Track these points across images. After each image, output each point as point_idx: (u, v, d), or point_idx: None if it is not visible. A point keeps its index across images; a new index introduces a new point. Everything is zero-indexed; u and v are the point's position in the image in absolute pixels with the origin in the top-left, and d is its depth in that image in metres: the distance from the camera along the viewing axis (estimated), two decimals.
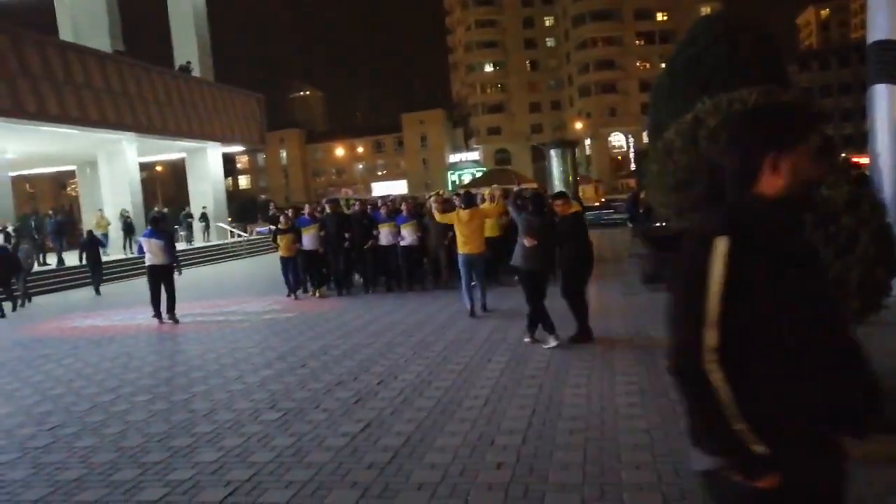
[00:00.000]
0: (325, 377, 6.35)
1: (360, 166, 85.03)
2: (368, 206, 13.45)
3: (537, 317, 7.02)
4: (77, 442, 4.94)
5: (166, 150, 30.44)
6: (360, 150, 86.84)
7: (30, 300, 14.86)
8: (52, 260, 19.58)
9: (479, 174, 55.90)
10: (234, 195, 59.22)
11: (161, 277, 10.28)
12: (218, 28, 35.15)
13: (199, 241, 27.80)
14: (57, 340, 9.77)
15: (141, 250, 10.79)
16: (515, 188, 11.18)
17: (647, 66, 72.40)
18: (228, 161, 54.70)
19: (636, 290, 10.42)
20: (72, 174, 36.48)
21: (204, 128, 28.34)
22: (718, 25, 13.14)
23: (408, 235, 11.65)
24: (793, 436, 1.57)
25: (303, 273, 12.44)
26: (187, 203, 30.55)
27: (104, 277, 17.16)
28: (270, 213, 20.43)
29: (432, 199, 14.38)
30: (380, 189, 71.32)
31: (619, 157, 74.56)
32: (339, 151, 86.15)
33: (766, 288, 1.54)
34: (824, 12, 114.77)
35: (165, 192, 58.75)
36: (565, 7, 77.66)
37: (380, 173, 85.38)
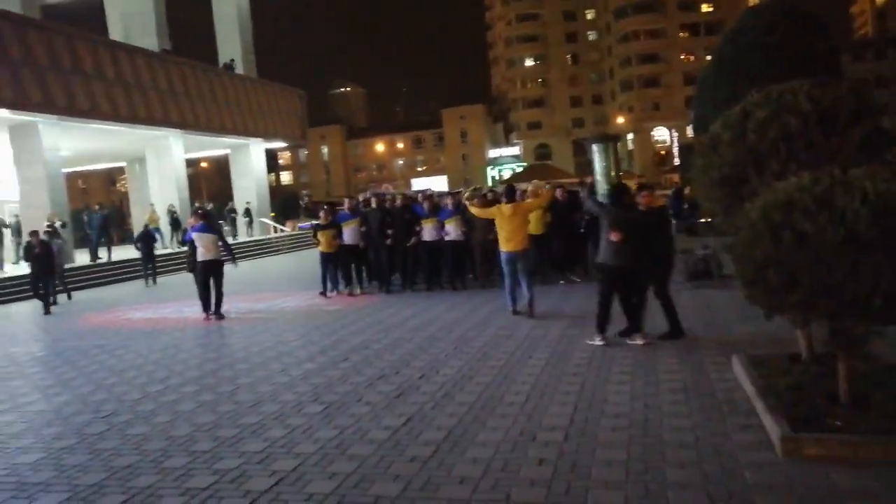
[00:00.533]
0: (367, 371, 6.42)
1: (400, 162, 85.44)
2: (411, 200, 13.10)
3: (601, 311, 6.74)
4: (130, 430, 5.11)
5: (211, 147, 31.11)
6: (400, 145, 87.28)
7: (69, 297, 14.69)
8: (102, 254, 20.05)
9: (519, 169, 55.64)
10: (276, 191, 60.17)
11: (213, 273, 10.20)
12: (261, 25, 35.74)
13: (242, 236, 28.36)
14: (110, 332, 10.10)
15: (188, 243, 10.67)
16: (589, 179, 10.70)
17: (692, 58, 70.80)
18: (271, 157, 55.66)
19: (680, 288, 10.22)
20: (121, 170, 37.62)
21: (247, 124, 28.87)
22: (769, 15, 12.79)
23: (452, 230, 11.30)
24: None
25: (342, 269, 12.08)
26: (231, 198, 31.17)
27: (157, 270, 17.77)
28: (303, 204, 20.21)
29: (467, 194, 14.32)
30: (420, 185, 71.58)
31: (663, 152, 73.15)
32: (380, 147, 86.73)
33: None
34: (880, 0, 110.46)
35: (210, 187, 60.05)
36: (607, 0, 76.52)
37: (419, 169, 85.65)
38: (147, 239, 17.38)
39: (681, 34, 72.80)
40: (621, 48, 74.54)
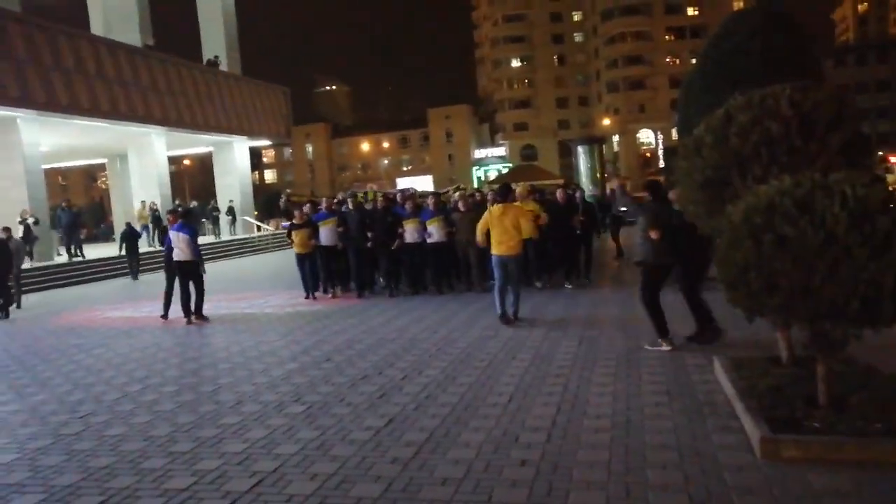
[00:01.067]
0: (350, 371, 6.38)
1: (386, 161, 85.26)
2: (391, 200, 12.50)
3: (656, 316, 6.56)
4: (107, 430, 5.04)
5: (194, 144, 30.84)
6: (386, 144, 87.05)
7: (19, 305, 13.23)
8: (92, 252, 19.74)
9: (504, 170, 55.74)
10: (260, 189, 59.82)
11: (190, 274, 9.86)
12: (245, 22, 35.47)
13: (225, 235, 28.14)
14: (89, 331, 9.97)
15: (166, 243, 10.32)
16: (617, 181, 10.25)
17: (677, 61, 71.39)
18: (255, 155, 55.30)
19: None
20: (102, 167, 37.17)
21: (231, 122, 28.65)
22: (753, 20, 12.91)
23: (435, 232, 10.88)
24: None
25: (322, 271, 11.62)
26: (214, 196, 30.93)
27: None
28: (282, 206, 19.01)
29: (457, 194, 14.21)
30: (405, 184, 71.51)
31: (648, 154, 73.69)
32: (365, 146, 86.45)
33: None
34: (862, 6, 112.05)
35: (193, 185, 59.55)
36: (594, 1, 76.86)
37: (405, 168, 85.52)
38: (130, 236, 17.30)
39: (666, 37, 73.39)
40: (608, 50, 74.96)
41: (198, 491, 3.83)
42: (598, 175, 22.33)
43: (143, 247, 20.05)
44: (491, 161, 76.59)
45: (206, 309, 10.31)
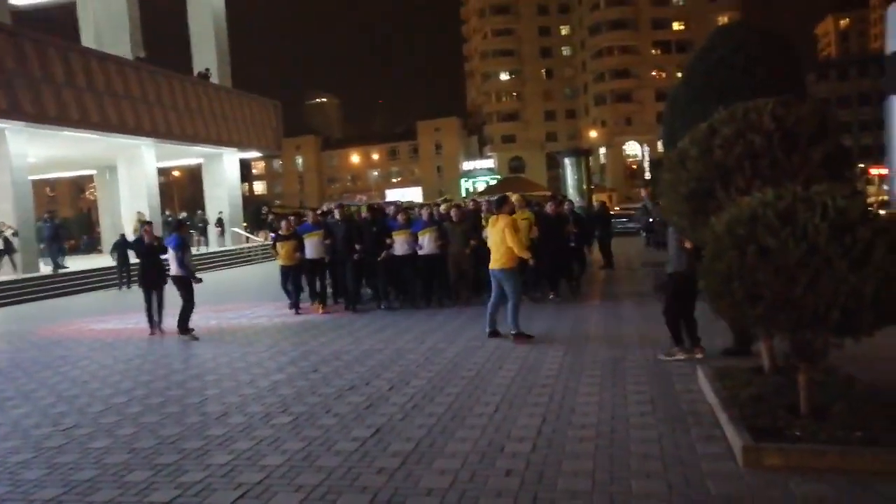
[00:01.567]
0: (337, 382, 6.37)
1: (375, 173, 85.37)
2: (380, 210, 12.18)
3: (689, 322, 6.50)
4: (91, 443, 4.99)
5: (184, 156, 30.75)
6: (376, 156, 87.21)
7: None
8: (50, 264, 19.34)
9: (493, 182, 55.94)
10: (249, 201, 59.62)
11: (180, 288, 9.51)
12: (236, 35, 35.55)
13: (214, 246, 28.02)
14: (74, 342, 9.88)
15: (142, 257, 9.96)
16: (644, 192, 9.65)
17: (664, 75, 72.22)
18: (245, 167, 55.20)
19: (648, 299, 10.36)
20: (91, 178, 36.96)
21: (221, 134, 28.61)
22: (737, 35, 13.09)
23: (426, 244, 10.56)
24: None
25: (307, 284, 11.33)
26: (202, 208, 30.81)
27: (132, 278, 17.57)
28: (268, 218, 18.92)
29: (443, 206, 14.13)
30: (394, 196, 71.57)
31: (634, 166, 74.26)
32: (355, 158, 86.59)
33: None
34: (844, 22, 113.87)
35: (182, 196, 59.31)
36: (581, 16, 77.70)
37: (394, 180, 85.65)
38: (122, 246, 17.27)
39: (653, 51, 74.28)
40: (595, 64, 75.71)
41: None
42: (585, 187, 22.44)
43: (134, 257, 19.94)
44: (479, 173, 76.91)
45: (193, 320, 9.83)
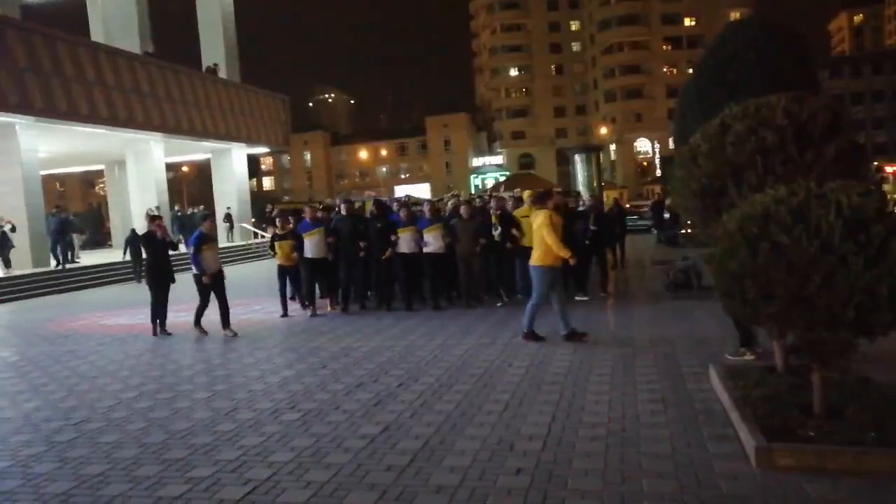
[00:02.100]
0: (346, 379, 6.37)
1: (384, 169, 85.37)
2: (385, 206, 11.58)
3: (742, 324, 6.09)
4: (101, 437, 5.01)
5: (192, 151, 30.85)
6: (384, 152, 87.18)
7: None
8: (91, 258, 19.57)
9: (502, 178, 55.82)
10: (258, 196, 59.81)
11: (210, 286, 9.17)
12: (245, 30, 35.58)
13: (222, 242, 28.11)
14: (84, 337, 9.93)
15: (150, 252, 9.66)
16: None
17: (674, 71, 71.82)
18: (253, 162, 55.35)
19: (659, 297, 10.31)
20: (100, 173, 37.15)
21: (229, 129, 28.67)
22: (749, 30, 12.98)
23: (433, 241, 10.12)
24: None
25: (306, 285, 10.66)
26: (208, 203, 30.90)
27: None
28: (273, 214, 18.45)
29: (451, 203, 13.99)
30: (402, 193, 71.54)
31: (645, 163, 73.95)
32: (363, 154, 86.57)
33: None
34: (857, 18, 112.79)
35: (191, 192, 59.56)
36: (591, 11, 77.28)
37: (403, 176, 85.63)
38: (135, 241, 17.34)
39: (664, 47, 73.82)
40: (605, 59, 75.33)
41: (191, 499, 3.81)
42: (595, 184, 22.36)
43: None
44: (488, 169, 76.75)
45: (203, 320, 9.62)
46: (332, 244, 10.43)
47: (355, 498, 3.69)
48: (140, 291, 15.95)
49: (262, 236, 30.52)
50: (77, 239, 23.46)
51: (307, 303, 10.63)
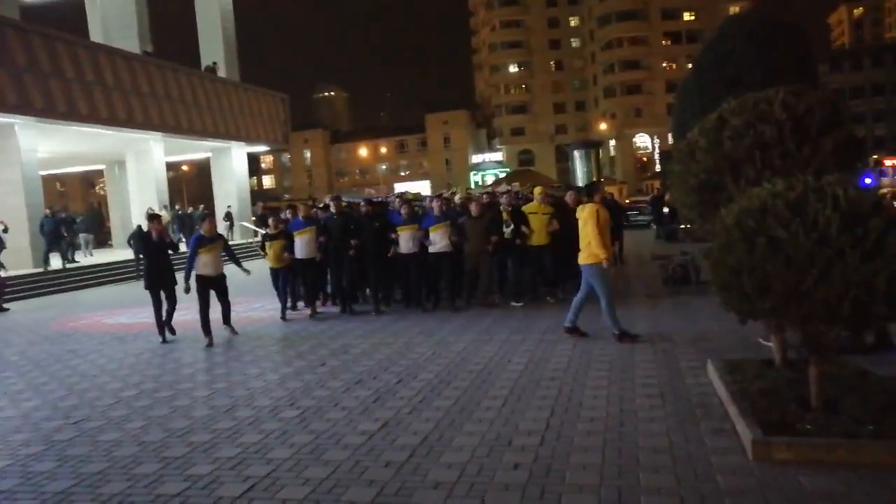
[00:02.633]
0: (345, 376, 6.37)
1: (384, 167, 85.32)
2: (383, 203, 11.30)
3: None
4: (101, 436, 5.02)
5: (192, 150, 30.83)
6: (384, 150, 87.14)
7: None
8: (55, 261, 18.97)
9: (502, 175, 55.79)
10: (258, 195, 59.83)
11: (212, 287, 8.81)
12: (244, 29, 35.54)
13: None
14: (85, 336, 9.95)
15: (149, 254, 9.15)
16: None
17: (674, 66, 71.62)
18: (253, 161, 55.32)
19: (658, 292, 10.31)
20: (100, 173, 37.14)
21: (229, 128, 28.66)
22: (748, 24, 12.97)
23: (439, 240, 9.61)
24: None
25: (302, 286, 10.46)
26: (212, 202, 30.90)
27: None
28: (258, 212, 17.71)
29: (457, 197, 13.88)
30: (402, 189, 71.43)
31: (644, 159, 73.85)
32: (363, 152, 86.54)
33: None
34: (857, 11, 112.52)
35: (191, 191, 59.57)
36: (591, 7, 77.11)
37: (403, 174, 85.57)
38: (140, 240, 17.33)
39: (663, 42, 73.65)
40: (604, 55, 75.19)
41: (190, 496, 3.82)
42: (595, 179, 22.34)
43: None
44: (488, 166, 76.69)
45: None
46: (323, 244, 10.05)
47: (354, 494, 3.70)
48: (141, 290, 15.98)
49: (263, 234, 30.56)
50: (84, 239, 23.48)
51: (307, 303, 10.39)
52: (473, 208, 9.91)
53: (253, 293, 13.96)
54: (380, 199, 12.57)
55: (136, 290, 16.44)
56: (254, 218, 31.28)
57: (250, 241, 28.23)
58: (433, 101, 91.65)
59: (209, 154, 30.74)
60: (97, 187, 68.91)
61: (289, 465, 4.18)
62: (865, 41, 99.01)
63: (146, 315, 11.39)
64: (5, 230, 17.60)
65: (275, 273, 10.24)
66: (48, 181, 34.79)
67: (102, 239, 33.36)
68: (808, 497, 3.34)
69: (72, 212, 30.65)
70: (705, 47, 13.51)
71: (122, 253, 23.13)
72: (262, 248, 10.38)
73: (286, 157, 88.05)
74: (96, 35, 27.19)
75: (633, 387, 5.39)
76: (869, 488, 3.39)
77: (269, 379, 6.46)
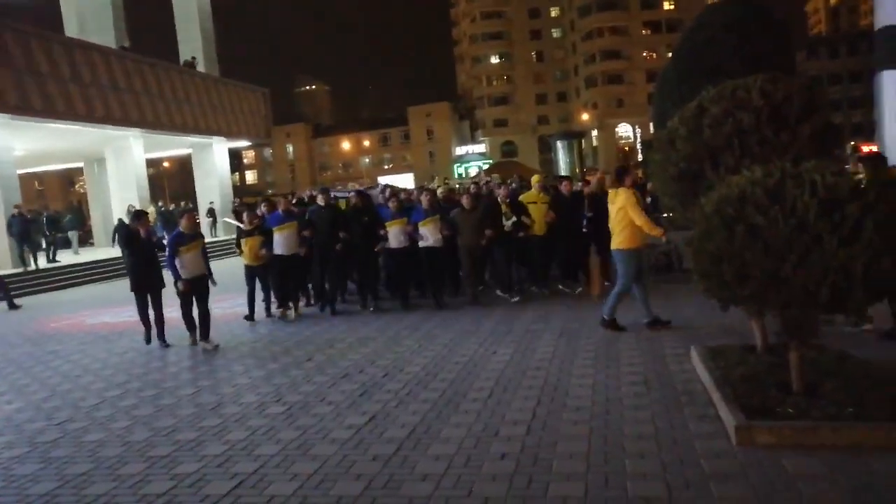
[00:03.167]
0: (331, 370, 6.37)
1: (367, 160, 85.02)
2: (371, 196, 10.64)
3: None
4: (85, 436, 4.98)
5: (173, 146, 30.49)
6: (367, 143, 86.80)
7: None
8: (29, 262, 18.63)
9: (485, 166, 55.80)
10: (240, 190, 59.37)
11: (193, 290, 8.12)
12: (223, 22, 35.13)
13: (206, 237, 27.89)
14: (68, 336, 9.84)
15: (133, 253, 8.42)
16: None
17: (654, 55, 71.90)
18: (235, 156, 54.88)
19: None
20: (80, 171, 36.65)
21: (209, 123, 28.37)
22: (727, 13, 13.03)
23: (430, 235, 9.27)
24: None
25: (278, 286, 9.65)
26: (194, 198, 30.62)
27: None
28: (235, 207, 16.72)
29: (440, 188, 13.73)
30: (386, 182, 71.10)
31: (627, 148, 74.13)
32: (346, 145, 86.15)
33: None
34: None
35: (173, 187, 58.98)
36: None
37: (386, 167, 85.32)
38: (121, 230, 17.13)
39: (643, 32, 73.89)
40: (585, 45, 75.29)
41: (177, 495, 3.80)
42: (578, 170, 22.43)
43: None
44: (472, 158, 76.64)
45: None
46: (307, 238, 9.51)
47: (341, 488, 3.71)
48: (123, 288, 15.81)
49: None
50: (72, 236, 23.21)
51: (280, 305, 9.66)
52: (465, 201, 9.55)
53: (238, 290, 13.88)
54: (364, 190, 11.84)
55: (119, 288, 16.27)
56: (232, 214, 31.07)
57: (232, 237, 28.04)
58: (415, 93, 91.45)
59: (190, 150, 30.44)
60: (76, 185, 67.96)
61: (276, 462, 4.18)
62: (842, 29, 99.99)
63: (129, 314, 11.27)
64: None
65: (250, 271, 9.58)
66: (26, 180, 34.23)
67: (84, 237, 32.99)
68: (791, 479, 3.40)
69: (53, 210, 30.20)
70: (684, 36, 13.56)
71: (104, 251, 22.89)
72: (238, 244, 9.76)
73: (268, 151, 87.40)
74: (71, 30, 26.76)
75: (618, 374, 5.44)
76: (849, 469, 3.46)
77: (255, 375, 6.43)
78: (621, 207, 6.89)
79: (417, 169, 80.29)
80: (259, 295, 9.81)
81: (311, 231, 9.52)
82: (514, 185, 14.62)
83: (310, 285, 10.45)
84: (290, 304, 9.76)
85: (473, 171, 60.39)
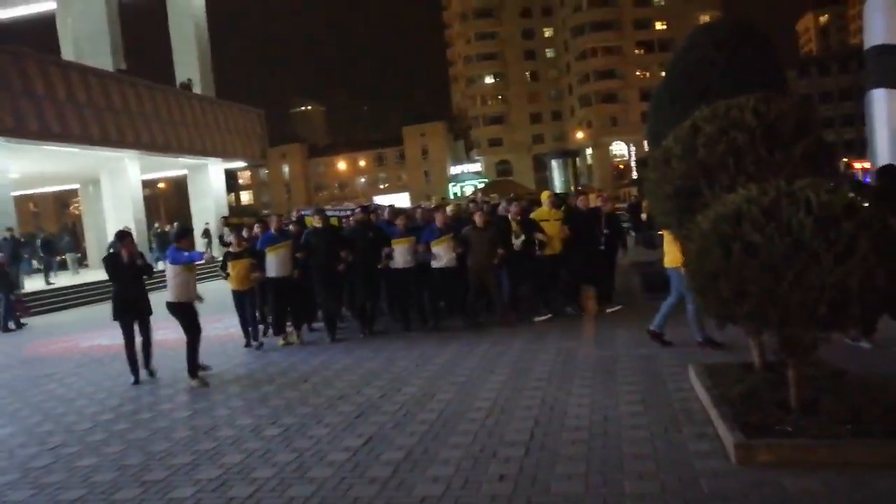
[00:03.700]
0: (327, 392, 6.32)
1: (363, 180, 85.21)
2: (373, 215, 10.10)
3: None
4: (78, 461, 4.92)
5: (168, 167, 30.55)
6: (362, 163, 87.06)
7: None
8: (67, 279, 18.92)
9: (481, 185, 55.96)
10: (236, 211, 59.38)
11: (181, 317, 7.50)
12: (219, 44, 35.39)
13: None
14: (60, 359, 9.76)
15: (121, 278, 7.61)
16: None
17: (647, 74, 72.66)
18: (231, 177, 54.94)
19: (637, 299, 10.38)
20: (75, 193, 36.64)
21: (205, 144, 28.45)
22: (718, 32, 13.16)
23: (443, 254, 8.93)
24: None
25: (272, 310, 9.23)
26: (190, 220, 30.60)
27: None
28: (220, 233, 15.71)
29: (450, 208, 13.02)
30: (382, 202, 71.19)
31: (621, 166, 74.61)
32: (342, 165, 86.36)
33: None
34: (823, 18, 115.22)
35: (168, 208, 58.95)
36: (565, 18, 78.03)
37: (382, 186, 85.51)
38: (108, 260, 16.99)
39: (636, 51, 74.76)
40: (579, 65, 76.05)
41: None
42: (573, 188, 22.53)
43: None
44: (467, 177, 76.89)
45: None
46: (300, 260, 8.91)
47: None
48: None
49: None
50: (71, 258, 23.11)
51: (277, 332, 9.17)
52: (478, 218, 9.08)
53: (233, 311, 13.82)
54: (368, 206, 11.43)
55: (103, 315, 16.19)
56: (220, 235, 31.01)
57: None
58: (410, 113, 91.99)
59: (186, 171, 30.48)
60: (71, 207, 67.86)
61: (272, 485, 4.13)
62: (832, 47, 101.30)
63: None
64: None
65: (239, 297, 8.93)
66: (21, 201, 34.22)
67: (79, 259, 32.88)
68: (790, 498, 3.38)
69: (49, 233, 30.12)
70: (676, 56, 13.68)
71: (98, 273, 22.81)
72: (224, 267, 9.09)
73: (264, 172, 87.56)
74: (68, 53, 26.93)
75: (615, 394, 5.41)
76: (848, 487, 3.43)
77: (251, 397, 6.38)
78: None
79: (413, 188, 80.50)
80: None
81: (304, 253, 8.93)
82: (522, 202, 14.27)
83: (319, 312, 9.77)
84: (291, 329, 9.28)
85: (469, 191, 60.51)
